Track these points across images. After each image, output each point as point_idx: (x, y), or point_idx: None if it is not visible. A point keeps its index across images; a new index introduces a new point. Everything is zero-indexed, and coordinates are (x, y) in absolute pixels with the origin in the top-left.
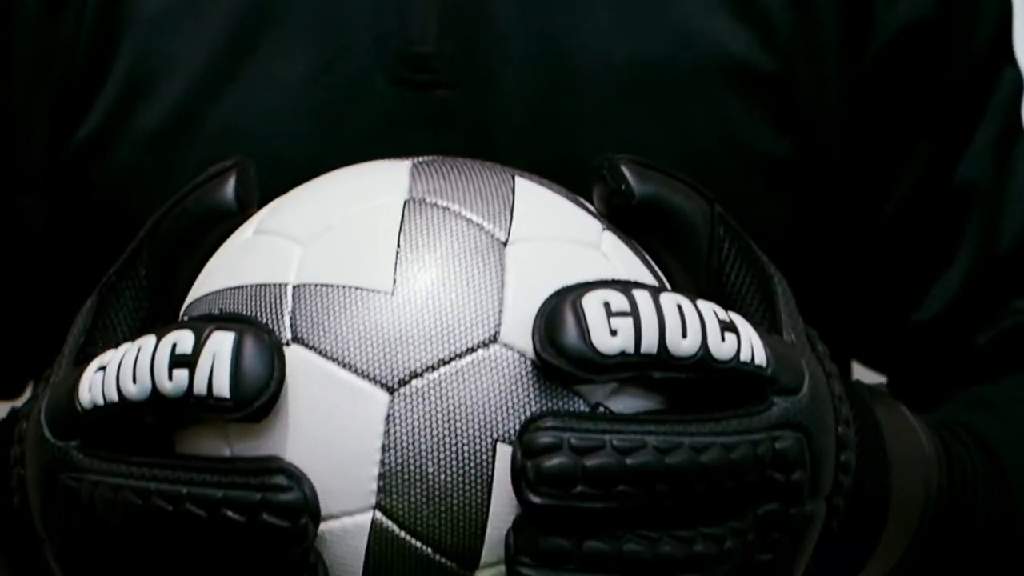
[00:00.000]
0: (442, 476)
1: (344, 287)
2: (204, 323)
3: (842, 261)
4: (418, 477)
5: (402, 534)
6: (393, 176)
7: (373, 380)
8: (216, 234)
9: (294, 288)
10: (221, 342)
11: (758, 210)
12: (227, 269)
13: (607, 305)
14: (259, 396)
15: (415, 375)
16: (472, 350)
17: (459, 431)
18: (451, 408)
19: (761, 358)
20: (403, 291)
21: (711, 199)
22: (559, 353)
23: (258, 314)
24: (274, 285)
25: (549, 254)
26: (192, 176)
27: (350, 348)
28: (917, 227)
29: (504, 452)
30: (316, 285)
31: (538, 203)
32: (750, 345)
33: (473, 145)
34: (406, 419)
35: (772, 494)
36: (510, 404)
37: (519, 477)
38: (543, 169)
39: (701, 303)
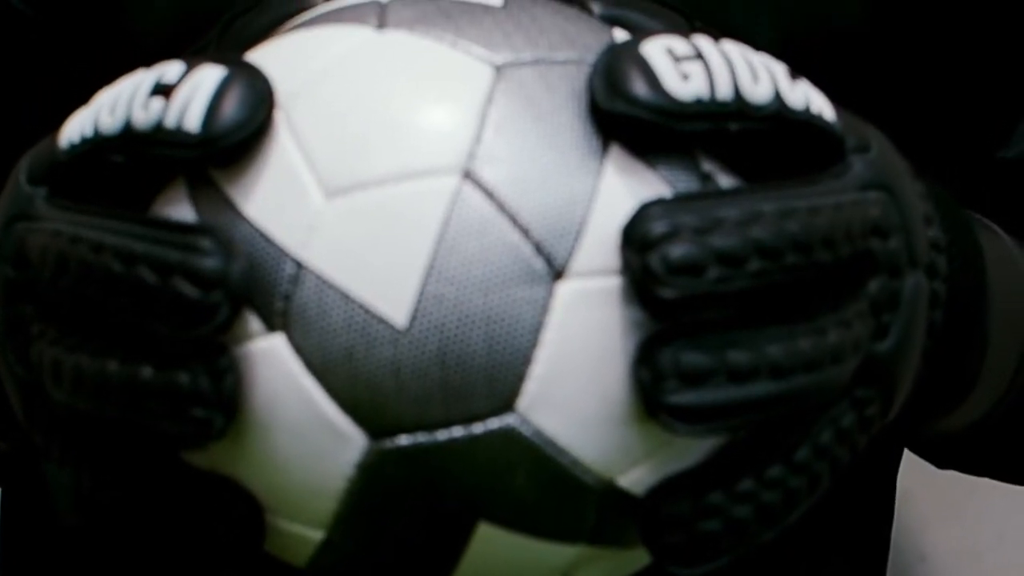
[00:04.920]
0: (410, 537)
1: (353, 300)
2: (199, 58)
3: (922, 79)
4: (381, 531)
5: (348, 567)
6: (463, 102)
7: (356, 420)
8: None
9: (298, 266)
10: (207, 76)
11: (834, 9)
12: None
13: (671, 51)
14: (227, 136)
15: (403, 431)
16: (476, 419)
17: (439, 507)
18: (434, 475)
19: (829, 113)
20: (417, 331)
21: (687, 15)
22: (631, 104)
23: (261, 283)
24: (277, 249)
25: (607, 297)
26: None
27: (339, 376)
28: (1008, 53)
29: (486, 531)
30: (322, 280)
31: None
32: (816, 98)
33: None
34: (381, 473)
35: (876, 266)
36: (501, 483)
37: (643, 276)
38: None
39: (758, 53)
